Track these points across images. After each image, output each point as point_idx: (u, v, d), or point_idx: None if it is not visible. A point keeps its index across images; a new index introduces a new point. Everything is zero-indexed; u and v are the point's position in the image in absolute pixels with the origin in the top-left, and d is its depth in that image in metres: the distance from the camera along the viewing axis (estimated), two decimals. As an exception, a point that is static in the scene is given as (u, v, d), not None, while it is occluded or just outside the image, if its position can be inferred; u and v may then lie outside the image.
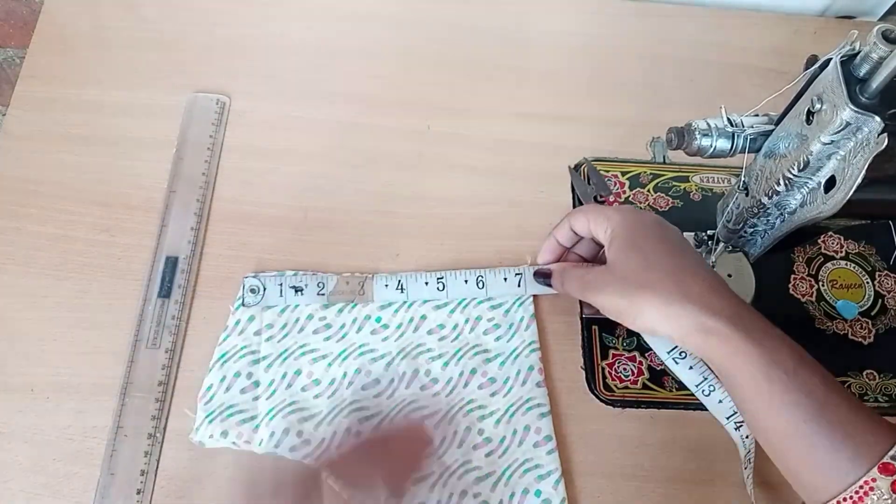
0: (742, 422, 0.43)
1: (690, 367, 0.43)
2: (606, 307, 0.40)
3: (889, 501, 0.31)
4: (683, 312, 0.36)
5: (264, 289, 0.46)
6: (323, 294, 0.46)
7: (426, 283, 0.47)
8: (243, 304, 0.45)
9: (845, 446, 0.32)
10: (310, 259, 0.48)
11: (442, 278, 0.47)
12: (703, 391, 0.43)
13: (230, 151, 0.52)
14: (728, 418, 0.43)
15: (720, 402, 0.43)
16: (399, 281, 0.47)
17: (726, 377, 0.36)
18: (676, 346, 0.43)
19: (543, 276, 0.46)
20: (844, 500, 0.32)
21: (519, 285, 0.47)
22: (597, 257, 0.46)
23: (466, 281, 0.47)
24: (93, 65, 0.54)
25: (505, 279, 0.47)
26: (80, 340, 0.45)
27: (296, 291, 0.46)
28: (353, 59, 0.56)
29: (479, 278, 0.47)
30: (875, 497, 0.31)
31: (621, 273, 0.39)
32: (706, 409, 0.44)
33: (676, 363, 0.44)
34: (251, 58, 0.56)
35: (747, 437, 0.43)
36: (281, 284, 0.46)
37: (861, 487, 0.31)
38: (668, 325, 0.37)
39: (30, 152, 0.51)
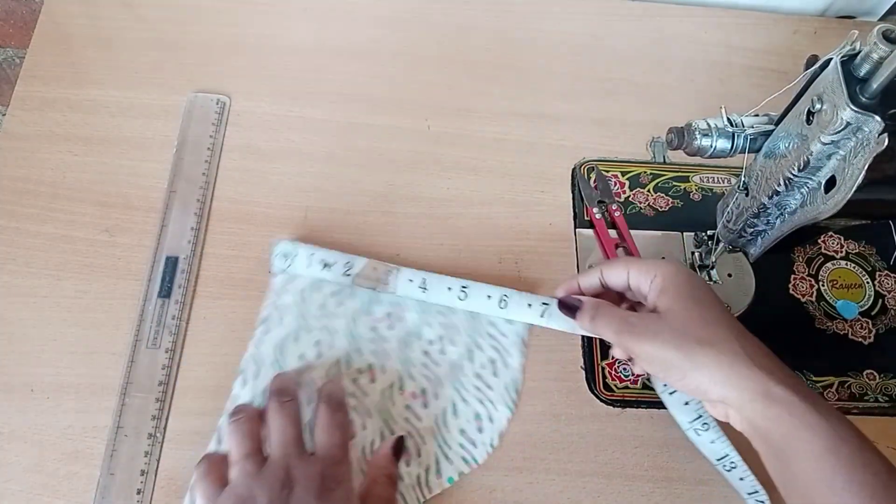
0: (763, 501, 0.41)
1: (713, 441, 0.41)
2: (653, 357, 0.37)
3: None
4: (749, 376, 0.34)
5: (295, 256, 0.46)
6: (349, 275, 0.45)
7: (449, 289, 0.45)
8: (270, 270, 0.46)
9: None
10: (310, 259, 0.48)
11: (466, 287, 0.45)
12: (724, 466, 0.42)
13: (230, 151, 0.52)
14: (749, 494, 0.41)
15: (741, 479, 0.41)
16: (424, 279, 0.46)
17: (783, 450, 0.34)
18: (700, 417, 0.41)
19: (569, 308, 0.42)
20: None
21: (542, 316, 0.44)
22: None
23: (489, 297, 0.45)
24: (93, 65, 0.54)
25: (529, 305, 0.45)
26: (80, 340, 0.45)
27: (324, 266, 0.45)
28: (353, 59, 0.57)
29: (504, 298, 0.45)
30: None
31: (678, 323, 0.36)
32: None
33: (699, 435, 0.42)
34: (251, 58, 0.56)
35: (741, 479, 0.41)
36: (311, 255, 0.46)
37: None
38: (727, 387, 0.34)
39: (30, 152, 0.51)
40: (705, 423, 0.41)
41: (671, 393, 0.42)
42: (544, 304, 0.45)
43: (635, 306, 0.43)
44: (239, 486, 0.36)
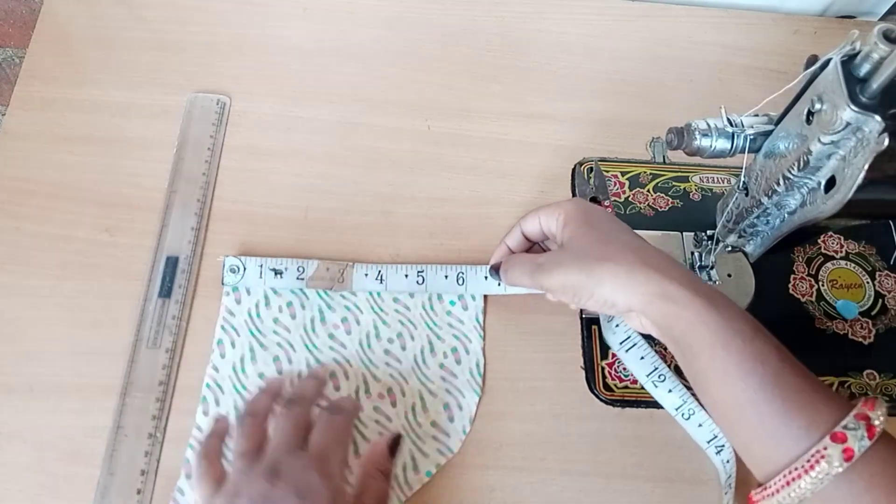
0: (722, 446, 0.43)
1: (670, 391, 0.43)
2: (561, 285, 0.39)
3: (840, 470, 0.30)
4: (645, 279, 0.36)
5: (244, 269, 0.46)
6: (302, 279, 0.46)
7: (406, 276, 0.47)
8: (223, 283, 0.46)
9: (798, 416, 0.32)
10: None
11: (422, 272, 0.47)
12: (682, 414, 0.43)
13: (230, 151, 0.52)
14: (709, 442, 0.43)
15: (700, 425, 0.43)
16: (379, 271, 0.46)
17: (683, 346, 0.36)
18: (655, 370, 0.43)
19: (496, 270, 0.45)
20: (795, 468, 0.31)
21: (499, 284, 0.46)
22: None
23: (447, 276, 0.47)
24: (93, 65, 0.54)
25: (486, 277, 0.47)
26: (80, 340, 0.45)
27: (275, 274, 0.46)
28: (353, 59, 0.57)
29: (460, 274, 0.47)
30: (825, 465, 0.31)
31: (578, 249, 0.39)
32: (704, 409, 0.43)
33: (656, 386, 0.43)
34: (251, 58, 0.56)
35: (728, 461, 0.42)
36: (261, 266, 0.46)
37: (813, 456, 0.31)
38: (628, 293, 0.36)
39: (30, 152, 0.51)
40: (661, 375, 0.43)
41: (627, 350, 0.44)
42: (461, 273, 0.47)
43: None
44: (230, 483, 0.37)
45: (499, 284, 0.46)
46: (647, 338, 0.44)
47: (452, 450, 0.43)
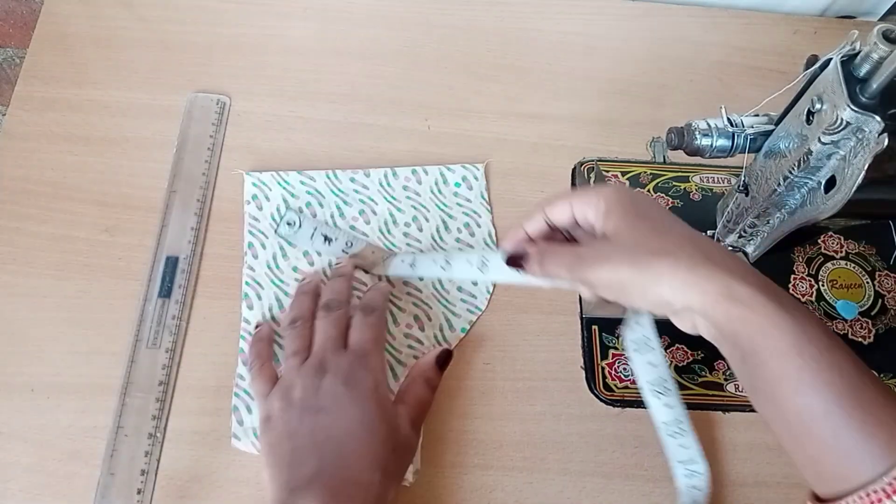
0: (699, 473, 0.41)
1: (668, 406, 0.41)
2: (608, 281, 0.34)
3: None
4: (709, 277, 0.32)
5: (300, 225, 0.48)
6: (346, 252, 0.48)
7: (433, 261, 0.45)
8: (276, 233, 0.48)
9: (879, 432, 0.29)
10: (310, 259, 0.48)
11: (448, 259, 0.44)
12: (669, 431, 0.41)
13: (230, 151, 0.52)
14: (680, 462, 0.41)
15: (682, 447, 0.41)
16: (413, 257, 0.47)
17: (747, 351, 0.32)
18: (664, 380, 0.40)
19: (517, 261, 0.39)
20: (875, 491, 0.28)
21: (481, 270, 0.44)
22: None
23: (469, 262, 0.43)
24: (93, 65, 0.54)
25: (469, 262, 0.45)
26: (80, 340, 0.45)
27: (325, 240, 0.48)
28: (353, 59, 0.57)
29: (483, 260, 0.42)
30: None
31: (628, 240, 0.34)
32: (705, 410, 0.43)
33: (656, 397, 0.41)
34: (251, 58, 0.56)
35: (698, 489, 0.41)
36: (315, 228, 0.48)
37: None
38: (688, 292, 0.32)
39: (30, 152, 0.51)
40: (666, 388, 0.40)
41: (638, 350, 0.41)
42: (483, 259, 0.42)
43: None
44: (284, 379, 0.42)
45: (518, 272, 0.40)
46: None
47: (480, 308, 0.48)
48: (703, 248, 0.33)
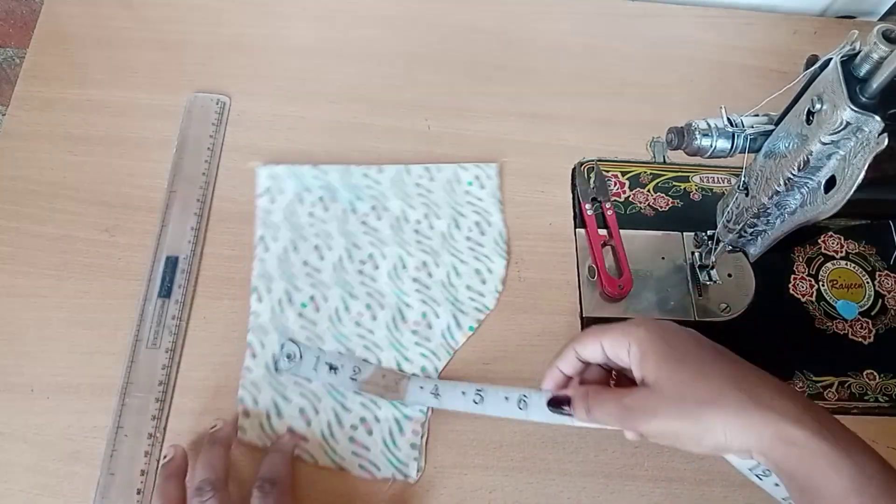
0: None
1: (777, 485, 0.37)
2: (663, 433, 0.34)
3: None
4: (761, 421, 0.32)
5: (300, 357, 0.45)
6: (355, 379, 0.44)
7: (463, 393, 0.43)
8: (276, 369, 0.45)
9: None
10: (310, 259, 0.48)
11: (481, 391, 0.42)
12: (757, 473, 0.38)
13: (230, 151, 0.52)
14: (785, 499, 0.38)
15: (777, 485, 0.37)
16: (436, 385, 0.44)
17: (806, 489, 0.32)
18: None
19: (560, 404, 0.39)
20: None
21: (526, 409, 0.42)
22: (608, 383, 0.40)
23: (507, 398, 0.41)
24: (93, 65, 0.54)
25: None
26: (80, 340, 0.45)
27: (330, 369, 0.44)
28: (353, 59, 0.56)
29: (522, 398, 0.41)
30: None
31: (672, 391, 0.34)
32: None
33: (761, 480, 0.38)
34: (251, 58, 0.56)
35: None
36: (317, 358, 0.45)
37: None
38: (745, 438, 0.32)
39: (30, 152, 0.51)
40: (766, 470, 0.37)
41: (760, 477, 0.38)
42: (523, 397, 0.41)
43: (624, 372, 0.39)
44: None
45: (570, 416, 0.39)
46: None
47: (488, 307, 0.48)
48: (748, 389, 0.33)
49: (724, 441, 0.33)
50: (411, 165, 0.52)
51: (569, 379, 0.40)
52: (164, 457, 0.40)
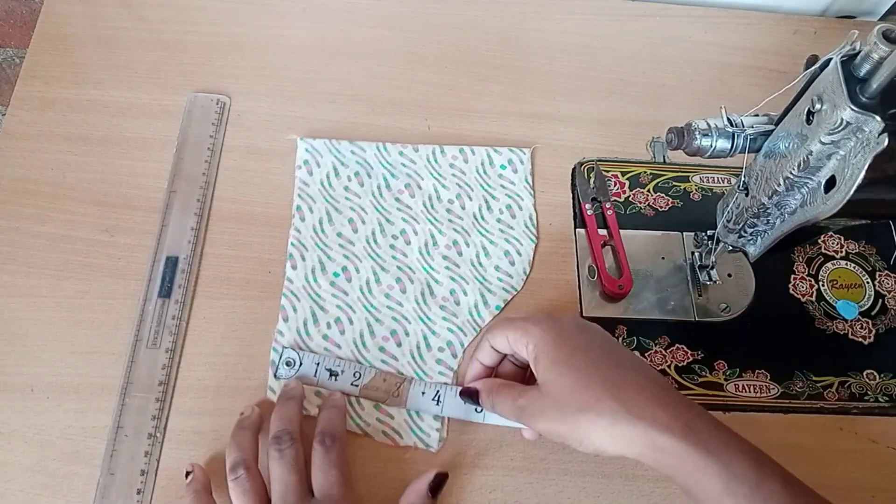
0: None
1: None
2: (549, 433, 0.37)
3: None
4: (632, 431, 0.34)
5: (300, 364, 0.45)
6: (356, 385, 0.44)
7: (454, 395, 0.44)
8: (275, 376, 0.44)
9: None
10: (310, 259, 0.48)
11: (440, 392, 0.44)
12: None
13: (230, 151, 0.52)
14: None
15: None
16: (437, 391, 0.44)
17: (688, 493, 0.34)
18: None
19: (470, 396, 0.42)
20: None
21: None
22: (525, 375, 0.43)
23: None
24: (93, 65, 0.54)
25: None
26: (80, 340, 0.45)
27: (330, 374, 0.45)
28: (353, 59, 0.56)
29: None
30: None
31: (556, 396, 0.36)
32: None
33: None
34: (251, 58, 0.56)
35: None
36: (318, 364, 0.45)
37: None
38: (618, 445, 0.35)
39: (30, 152, 0.51)
40: None
41: None
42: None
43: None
44: None
45: (478, 411, 0.43)
46: None
47: (516, 288, 0.49)
48: (623, 398, 0.35)
49: (601, 446, 0.35)
50: (446, 146, 0.53)
51: (491, 370, 0.43)
52: (241, 413, 0.42)
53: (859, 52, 0.32)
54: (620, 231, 0.50)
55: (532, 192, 0.52)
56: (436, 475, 0.41)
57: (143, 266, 0.47)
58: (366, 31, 0.58)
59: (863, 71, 0.32)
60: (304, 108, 0.54)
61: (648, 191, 0.53)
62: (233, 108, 0.54)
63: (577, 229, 0.51)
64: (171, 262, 0.47)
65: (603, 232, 0.51)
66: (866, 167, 0.32)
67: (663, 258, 0.51)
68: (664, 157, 0.54)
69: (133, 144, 0.52)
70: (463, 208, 0.51)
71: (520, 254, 0.50)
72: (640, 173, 0.54)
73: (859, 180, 0.32)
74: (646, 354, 0.47)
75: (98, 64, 0.55)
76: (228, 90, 0.54)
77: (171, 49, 0.55)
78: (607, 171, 0.53)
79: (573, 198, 0.53)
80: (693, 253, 0.50)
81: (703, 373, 0.47)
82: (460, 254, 0.49)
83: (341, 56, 0.57)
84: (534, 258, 0.50)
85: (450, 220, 0.50)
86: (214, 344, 0.46)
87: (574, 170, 0.53)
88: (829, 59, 0.34)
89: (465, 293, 0.48)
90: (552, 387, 0.37)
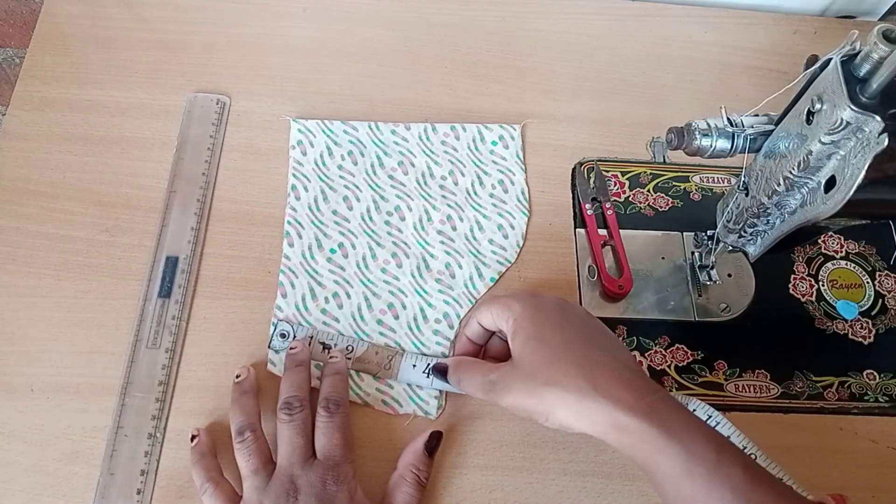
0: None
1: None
2: (516, 408, 0.37)
3: None
4: (597, 409, 0.34)
5: (293, 336, 0.45)
6: (349, 358, 0.45)
7: (429, 362, 0.45)
8: (270, 346, 0.45)
9: None
10: (310, 259, 0.48)
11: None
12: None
13: (230, 151, 0.52)
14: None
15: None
16: (428, 364, 0.44)
17: (648, 474, 0.34)
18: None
19: (441, 372, 0.42)
20: None
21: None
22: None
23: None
24: (93, 65, 0.54)
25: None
26: (80, 340, 0.45)
27: (323, 348, 0.45)
28: (353, 59, 0.56)
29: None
30: None
31: (527, 369, 0.37)
32: None
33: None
34: (251, 58, 0.56)
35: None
36: (311, 337, 0.45)
37: None
38: (582, 422, 0.35)
39: (30, 152, 0.51)
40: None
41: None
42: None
43: None
44: (249, 501, 0.38)
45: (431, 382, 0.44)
46: None
47: (510, 260, 0.50)
48: (592, 377, 0.35)
49: (566, 422, 0.36)
50: (437, 123, 0.54)
51: (479, 347, 0.44)
52: (238, 377, 0.43)
53: (859, 52, 0.32)
54: (620, 231, 0.50)
55: (524, 168, 0.53)
56: (431, 434, 0.42)
57: (143, 266, 0.47)
58: (366, 31, 0.58)
59: (863, 71, 0.32)
60: (304, 108, 0.54)
61: (648, 191, 0.53)
62: (233, 108, 0.54)
63: (577, 229, 0.51)
64: (171, 262, 0.47)
65: (603, 232, 0.51)
66: (866, 167, 0.32)
67: (663, 258, 0.51)
68: (664, 157, 0.54)
69: (133, 144, 0.52)
70: (456, 184, 0.52)
71: (513, 227, 0.51)
72: (640, 173, 0.54)
73: (859, 180, 0.32)
74: (646, 354, 0.47)
75: (98, 64, 0.55)
76: (228, 90, 0.54)
77: (171, 49, 0.55)
78: (607, 171, 0.53)
79: (573, 198, 0.53)
80: (693, 253, 0.50)
81: (703, 373, 0.47)
82: (454, 228, 0.50)
83: (341, 56, 0.57)
84: (527, 231, 0.51)
85: (443, 196, 0.51)
86: (214, 344, 0.46)
87: (574, 170, 0.53)
88: (829, 59, 0.34)
89: (461, 266, 0.49)
90: (525, 361, 0.37)
